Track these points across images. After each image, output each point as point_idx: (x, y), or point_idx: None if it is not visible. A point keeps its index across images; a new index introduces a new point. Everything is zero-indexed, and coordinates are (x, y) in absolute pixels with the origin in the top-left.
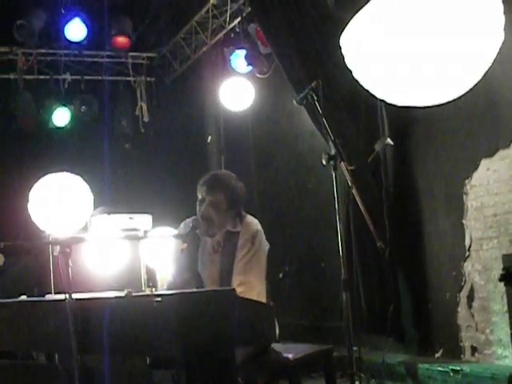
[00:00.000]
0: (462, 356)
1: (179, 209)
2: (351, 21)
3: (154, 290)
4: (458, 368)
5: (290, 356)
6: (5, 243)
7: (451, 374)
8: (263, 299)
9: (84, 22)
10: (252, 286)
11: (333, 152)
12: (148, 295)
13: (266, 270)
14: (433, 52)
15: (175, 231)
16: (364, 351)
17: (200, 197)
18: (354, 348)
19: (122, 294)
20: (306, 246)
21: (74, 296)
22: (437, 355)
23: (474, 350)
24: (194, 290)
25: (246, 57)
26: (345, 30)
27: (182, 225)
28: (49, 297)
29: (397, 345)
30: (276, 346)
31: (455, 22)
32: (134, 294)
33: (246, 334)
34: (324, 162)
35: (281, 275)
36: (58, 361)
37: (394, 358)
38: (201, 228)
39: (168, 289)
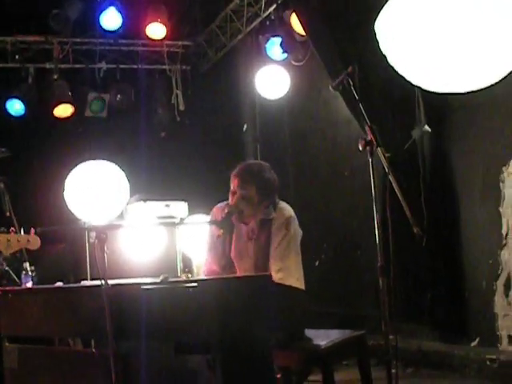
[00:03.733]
0: (498, 345)
1: (215, 196)
2: (386, 5)
3: (189, 275)
4: (494, 357)
5: (322, 343)
6: (41, 229)
7: (487, 362)
8: (302, 284)
9: (119, 11)
10: (291, 272)
11: (369, 138)
12: (184, 281)
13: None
14: (469, 37)
15: (209, 216)
16: (400, 339)
17: (232, 188)
18: (390, 336)
19: (158, 279)
20: (341, 234)
21: (110, 282)
22: (473, 344)
23: (510, 339)
24: (230, 275)
25: (281, 44)
26: (379, 15)
27: (215, 209)
28: (85, 283)
29: (433, 333)
30: (309, 332)
31: (493, 5)
32: (170, 280)
33: (280, 319)
34: (360, 148)
35: (317, 263)
36: (95, 347)
37: (429, 346)
38: (235, 215)
39: (206, 276)
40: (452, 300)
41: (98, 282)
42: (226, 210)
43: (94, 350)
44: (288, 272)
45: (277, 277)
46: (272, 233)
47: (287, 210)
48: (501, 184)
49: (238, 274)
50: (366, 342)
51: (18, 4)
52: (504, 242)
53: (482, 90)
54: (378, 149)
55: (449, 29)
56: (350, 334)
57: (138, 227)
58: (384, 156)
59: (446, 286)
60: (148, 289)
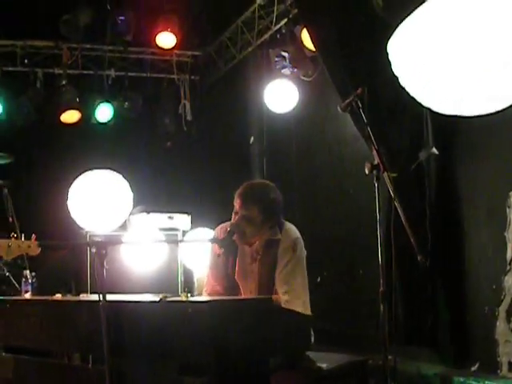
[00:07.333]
0: (498, 371)
1: (219, 210)
2: (400, 26)
3: (189, 295)
4: (494, 383)
5: (324, 366)
6: (40, 242)
7: None
8: (308, 307)
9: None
10: (298, 295)
11: (376, 161)
12: (183, 301)
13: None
14: (483, 61)
15: (213, 233)
16: (399, 361)
17: (235, 208)
18: (389, 357)
19: (157, 298)
20: (345, 252)
21: (108, 298)
22: (473, 369)
23: (511, 365)
24: (231, 297)
25: (290, 59)
26: (393, 36)
27: (218, 228)
28: (83, 297)
29: (433, 356)
30: (310, 355)
31: (509, 31)
32: (168, 300)
33: (280, 343)
34: (367, 172)
35: (318, 279)
36: (92, 362)
37: (429, 369)
38: (236, 236)
39: (208, 295)
40: (453, 324)
41: (95, 297)
42: (228, 229)
43: (90, 366)
44: (294, 294)
45: (283, 299)
46: (278, 254)
47: (293, 231)
48: (507, 209)
49: (243, 295)
50: (367, 367)
51: (29, 8)
52: (508, 267)
53: (491, 114)
54: (385, 173)
55: (463, 52)
56: (352, 358)
57: (139, 242)
58: (390, 181)
59: (447, 309)
60: (146, 307)
